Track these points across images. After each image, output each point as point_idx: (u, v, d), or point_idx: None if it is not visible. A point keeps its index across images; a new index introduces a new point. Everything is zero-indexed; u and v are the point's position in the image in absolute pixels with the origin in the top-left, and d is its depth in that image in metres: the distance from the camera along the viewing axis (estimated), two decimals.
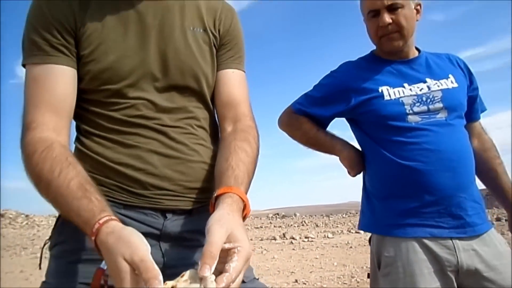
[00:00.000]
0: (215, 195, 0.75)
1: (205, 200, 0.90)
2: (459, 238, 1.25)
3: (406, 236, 1.26)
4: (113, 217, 0.67)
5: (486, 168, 1.46)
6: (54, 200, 0.72)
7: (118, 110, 0.85)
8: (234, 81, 0.96)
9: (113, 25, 0.85)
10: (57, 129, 0.80)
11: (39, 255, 0.92)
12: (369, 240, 1.40)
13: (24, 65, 0.84)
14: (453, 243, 1.24)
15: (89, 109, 0.87)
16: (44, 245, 0.89)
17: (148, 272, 0.57)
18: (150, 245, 0.62)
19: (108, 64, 0.83)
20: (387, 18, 1.30)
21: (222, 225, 0.63)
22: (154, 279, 0.56)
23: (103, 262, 0.65)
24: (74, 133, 0.90)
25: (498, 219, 12.00)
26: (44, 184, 0.72)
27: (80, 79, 0.85)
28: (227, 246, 0.61)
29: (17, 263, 7.69)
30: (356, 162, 1.42)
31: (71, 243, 0.82)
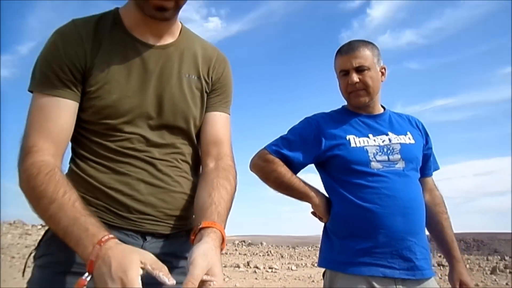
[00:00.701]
0: (200, 226, 0.85)
1: (181, 226, 1.01)
2: (403, 283, 1.38)
3: (361, 274, 1.37)
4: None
5: (434, 221, 1.62)
6: (53, 215, 0.79)
7: (114, 141, 0.95)
8: (220, 123, 1.07)
9: (118, 68, 0.95)
10: (55, 156, 0.89)
11: None
12: (323, 275, 1.51)
13: (31, 91, 0.94)
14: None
15: (88, 137, 0.96)
16: (30, 254, 0.96)
17: (158, 263, 0.71)
18: None
19: (111, 102, 0.93)
20: (355, 77, 1.51)
21: (205, 259, 0.73)
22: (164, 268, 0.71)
23: (86, 274, 0.72)
24: (68, 154, 0.99)
25: (440, 265, 12.51)
26: (46, 201, 0.80)
27: (83, 111, 0.95)
28: (204, 277, 0.72)
29: None
30: (327, 210, 1.52)
31: (59, 255, 0.88)
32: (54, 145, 0.89)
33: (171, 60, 1.01)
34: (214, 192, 0.93)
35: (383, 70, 1.58)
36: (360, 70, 1.51)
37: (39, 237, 0.98)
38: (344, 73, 1.54)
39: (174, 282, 0.69)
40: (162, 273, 0.69)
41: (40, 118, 0.90)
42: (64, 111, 0.91)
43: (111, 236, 0.75)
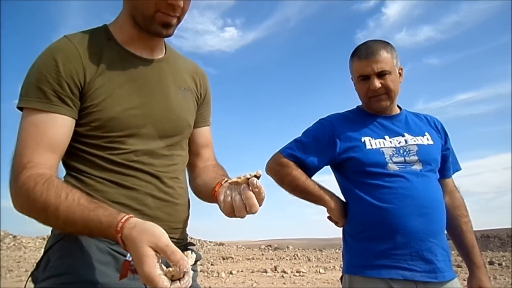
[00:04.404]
0: (217, 182, 0.96)
1: (181, 241, 1.05)
2: (424, 285, 1.34)
3: (380, 276, 1.35)
4: (131, 215, 0.77)
5: (454, 225, 1.57)
6: (65, 220, 0.78)
7: (118, 154, 0.94)
8: (208, 133, 1.23)
9: (119, 82, 0.96)
10: (52, 169, 0.87)
11: (24, 278, 0.96)
12: (340, 279, 1.49)
13: (21, 108, 0.90)
14: None
15: (88, 151, 0.94)
16: (31, 275, 0.93)
17: (176, 254, 0.69)
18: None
19: (115, 114, 0.93)
20: (377, 82, 1.46)
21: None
22: (182, 260, 0.68)
23: (128, 254, 0.74)
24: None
25: (491, 263, 11.98)
26: (52, 209, 0.78)
27: (82, 125, 0.93)
28: (247, 175, 0.87)
29: (1, 286, 7.53)
30: (343, 214, 1.51)
31: (73, 276, 0.86)
32: (51, 160, 0.87)
33: (166, 74, 1.05)
34: (217, 173, 1.08)
35: (400, 71, 1.54)
36: (381, 74, 1.46)
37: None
38: (363, 78, 1.49)
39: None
40: (179, 264, 0.68)
41: (35, 135, 0.87)
42: (61, 127, 0.89)
43: (123, 220, 0.75)
